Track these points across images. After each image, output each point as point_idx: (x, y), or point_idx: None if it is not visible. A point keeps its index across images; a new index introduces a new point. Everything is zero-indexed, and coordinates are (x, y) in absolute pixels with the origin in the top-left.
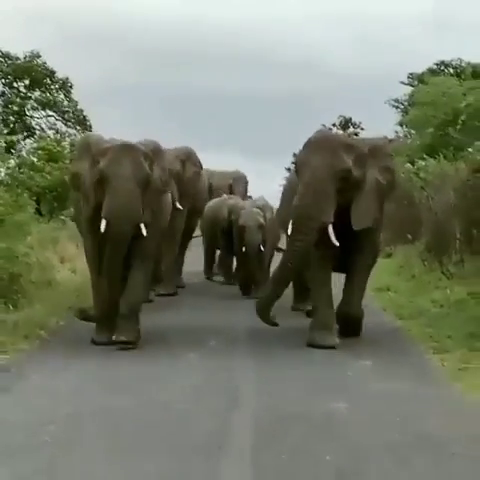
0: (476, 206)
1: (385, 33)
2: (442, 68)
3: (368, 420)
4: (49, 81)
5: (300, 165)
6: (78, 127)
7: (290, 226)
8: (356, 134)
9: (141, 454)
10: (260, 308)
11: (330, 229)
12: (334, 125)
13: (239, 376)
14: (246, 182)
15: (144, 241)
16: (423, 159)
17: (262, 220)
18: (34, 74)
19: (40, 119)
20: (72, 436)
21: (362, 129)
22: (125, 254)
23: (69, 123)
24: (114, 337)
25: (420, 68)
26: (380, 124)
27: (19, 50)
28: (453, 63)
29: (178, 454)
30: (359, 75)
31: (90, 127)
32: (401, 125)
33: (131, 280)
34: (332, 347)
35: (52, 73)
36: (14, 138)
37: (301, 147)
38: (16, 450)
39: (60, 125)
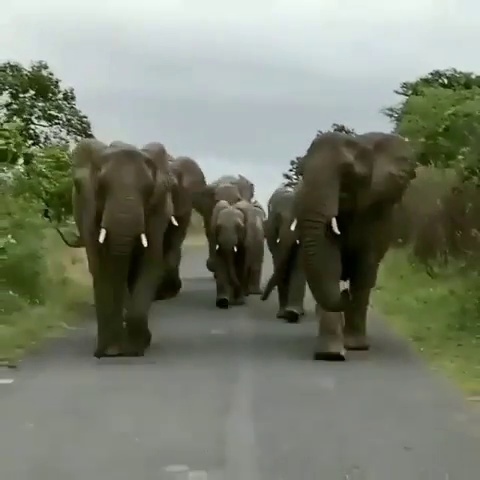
0: (459, 212)
1: (382, 40)
2: (436, 78)
3: (350, 389)
4: (54, 91)
5: (303, 165)
6: (81, 136)
7: (294, 225)
8: None
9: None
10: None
11: (334, 222)
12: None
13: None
14: (251, 187)
15: (149, 250)
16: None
17: (240, 221)
18: (40, 85)
19: (45, 128)
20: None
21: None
22: (129, 264)
23: (72, 132)
24: (121, 348)
25: (417, 76)
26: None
27: (18, 58)
28: (447, 73)
29: None
30: (356, 82)
31: (92, 136)
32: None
33: (137, 290)
34: (338, 355)
35: (57, 84)
36: (30, 150)
37: (303, 153)
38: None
39: (64, 134)
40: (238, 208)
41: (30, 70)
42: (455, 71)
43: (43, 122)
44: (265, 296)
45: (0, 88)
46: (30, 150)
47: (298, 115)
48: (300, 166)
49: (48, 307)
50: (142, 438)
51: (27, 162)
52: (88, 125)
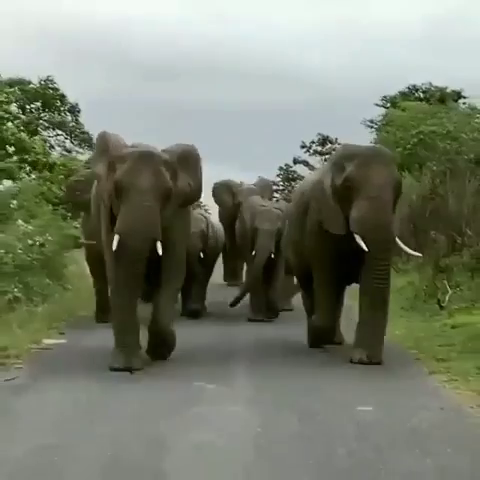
0: (421, 216)
1: (374, 49)
2: (413, 91)
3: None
4: (59, 104)
5: (358, 180)
6: (84, 147)
7: (363, 242)
8: (334, 150)
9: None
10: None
11: (399, 242)
12: (313, 142)
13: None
14: (271, 189)
15: (172, 258)
16: None
17: (203, 227)
18: (46, 98)
19: (50, 138)
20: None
21: (339, 144)
22: (145, 272)
23: (76, 142)
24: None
25: (396, 89)
26: (357, 141)
27: (17, 67)
28: (423, 87)
29: None
30: (345, 90)
31: (93, 147)
32: (375, 144)
33: (160, 301)
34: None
35: (63, 97)
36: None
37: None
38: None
39: (68, 144)
40: (201, 213)
41: (38, 85)
42: (431, 85)
43: (49, 132)
44: (234, 303)
45: (9, 101)
46: (53, 160)
47: (285, 123)
48: (349, 178)
49: (75, 292)
50: None
51: (51, 170)
52: (90, 137)
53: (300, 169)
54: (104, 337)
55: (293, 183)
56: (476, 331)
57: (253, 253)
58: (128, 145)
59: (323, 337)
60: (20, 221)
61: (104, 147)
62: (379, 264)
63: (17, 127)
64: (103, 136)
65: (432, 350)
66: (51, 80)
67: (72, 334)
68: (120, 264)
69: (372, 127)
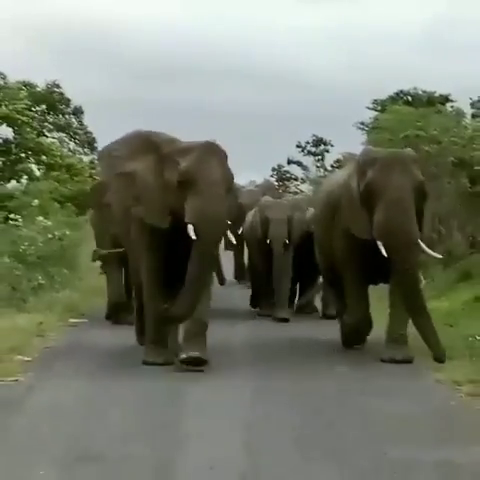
0: None
1: (372, 51)
2: (401, 96)
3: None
4: (64, 107)
5: (378, 184)
6: (87, 147)
7: (385, 248)
8: (327, 151)
9: None
10: None
11: (422, 244)
12: (308, 143)
13: None
14: (275, 190)
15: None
16: None
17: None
18: (52, 101)
19: (55, 139)
20: None
21: (332, 146)
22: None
23: (79, 143)
24: (184, 355)
25: (405, 87)
26: (350, 143)
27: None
28: (411, 92)
29: None
30: (342, 91)
31: (97, 148)
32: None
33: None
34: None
35: (68, 100)
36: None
37: (367, 166)
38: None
39: (72, 145)
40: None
41: (44, 88)
42: (417, 89)
43: (53, 135)
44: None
45: (28, 109)
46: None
47: (279, 124)
48: (371, 182)
49: (87, 281)
50: None
51: (67, 171)
52: (93, 139)
53: (294, 169)
54: None
55: (287, 183)
56: (439, 314)
57: (268, 241)
58: (179, 139)
59: (357, 336)
60: (40, 218)
61: (148, 146)
62: (404, 268)
63: (35, 130)
64: (141, 134)
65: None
66: (57, 84)
67: (91, 315)
68: (194, 255)
69: (363, 129)
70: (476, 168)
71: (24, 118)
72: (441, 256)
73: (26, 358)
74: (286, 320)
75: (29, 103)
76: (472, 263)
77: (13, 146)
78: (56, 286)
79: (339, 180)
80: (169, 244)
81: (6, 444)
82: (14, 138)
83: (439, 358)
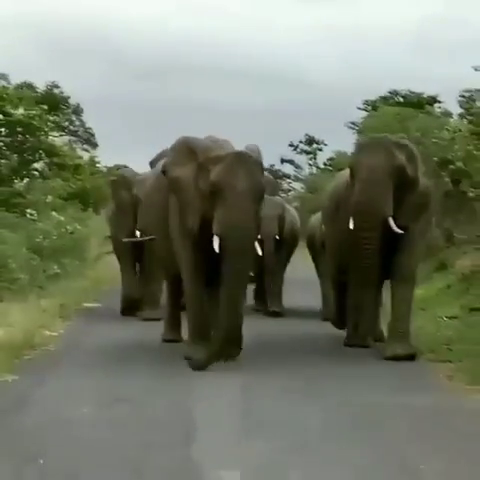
0: None
1: (366, 51)
2: (393, 96)
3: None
4: (64, 106)
5: (355, 166)
6: (86, 144)
7: (352, 223)
8: (320, 149)
9: None
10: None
11: (391, 221)
12: (301, 142)
13: None
14: (276, 187)
15: None
16: None
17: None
18: (52, 101)
19: (56, 138)
20: None
21: (325, 145)
22: (213, 271)
23: (79, 141)
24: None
25: (399, 87)
26: (343, 142)
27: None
28: (402, 92)
29: None
30: (335, 91)
31: (96, 145)
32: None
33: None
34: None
35: (67, 99)
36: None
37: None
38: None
39: (73, 144)
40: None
41: (44, 89)
42: (409, 91)
43: (54, 133)
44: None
45: (16, 103)
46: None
47: (275, 122)
48: (351, 165)
49: (96, 271)
50: None
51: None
52: (93, 135)
53: (286, 168)
54: None
55: (279, 181)
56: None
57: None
58: (214, 146)
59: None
60: (54, 213)
61: (189, 153)
62: (365, 242)
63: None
64: (186, 141)
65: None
66: (56, 85)
67: (103, 301)
68: (226, 267)
69: (354, 129)
70: (458, 164)
71: (35, 122)
72: (401, 231)
73: (53, 333)
74: (279, 314)
75: (45, 108)
76: (447, 255)
77: (26, 147)
78: (69, 275)
79: (344, 177)
80: (208, 248)
81: (54, 390)
82: (27, 140)
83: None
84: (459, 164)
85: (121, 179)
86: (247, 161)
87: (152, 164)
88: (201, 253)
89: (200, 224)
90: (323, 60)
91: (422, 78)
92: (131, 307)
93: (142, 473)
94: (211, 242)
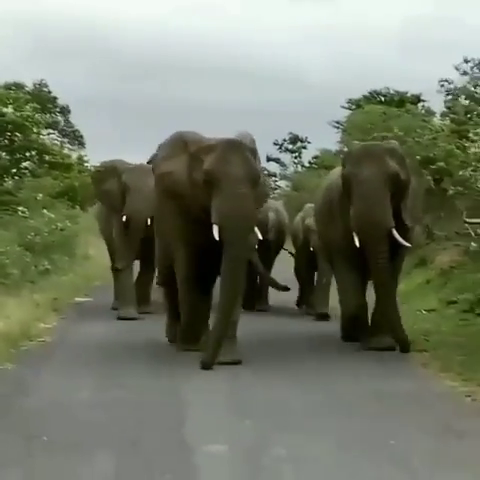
0: None
1: (352, 50)
2: (374, 96)
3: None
4: (52, 106)
5: (350, 178)
6: (73, 143)
7: (357, 240)
8: (304, 148)
9: None
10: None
11: (395, 233)
12: (285, 140)
13: None
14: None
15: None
16: None
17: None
18: (40, 100)
19: (44, 136)
20: None
21: (309, 143)
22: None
23: (66, 140)
24: (221, 358)
25: (383, 86)
26: (326, 141)
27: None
28: (383, 92)
29: None
30: (320, 89)
31: (84, 144)
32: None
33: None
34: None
35: (55, 99)
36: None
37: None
38: None
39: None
40: None
41: (32, 88)
42: (389, 89)
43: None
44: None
45: (6, 103)
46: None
47: (264, 121)
48: (344, 176)
49: (85, 267)
50: None
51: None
52: (80, 136)
53: (271, 166)
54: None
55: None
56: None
57: (311, 250)
58: (207, 137)
59: (355, 325)
60: (45, 210)
61: (179, 145)
62: (377, 257)
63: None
64: (178, 135)
65: None
66: (44, 84)
67: (94, 295)
68: (225, 257)
69: (338, 128)
70: (439, 164)
71: (28, 124)
72: (410, 245)
73: (48, 326)
74: (265, 311)
75: (37, 106)
76: (427, 252)
77: (18, 147)
78: (59, 271)
79: (334, 175)
80: (205, 241)
81: (52, 377)
82: (19, 139)
83: (403, 346)
84: (441, 163)
85: (108, 168)
86: (240, 148)
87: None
88: (197, 251)
89: (196, 216)
90: (309, 59)
91: (407, 78)
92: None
93: (137, 448)
94: (208, 235)
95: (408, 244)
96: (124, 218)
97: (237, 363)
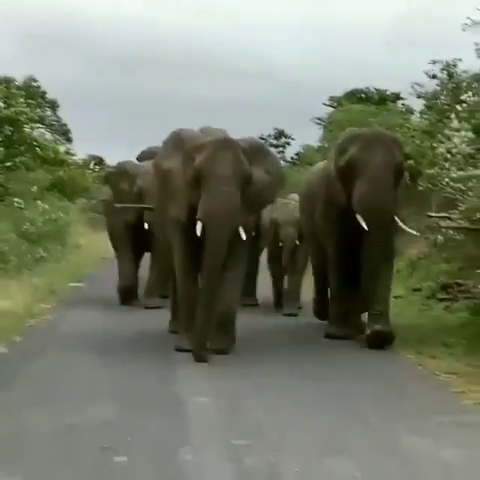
0: None
1: (337, 46)
2: (355, 93)
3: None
4: (42, 101)
5: (358, 162)
6: (61, 137)
7: (363, 221)
8: (288, 143)
9: None
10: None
11: (398, 220)
12: (269, 135)
13: None
14: None
15: (238, 245)
16: None
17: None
18: (29, 95)
19: (32, 130)
20: None
21: (293, 139)
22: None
23: (55, 134)
24: (208, 345)
25: (365, 84)
26: (308, 138)
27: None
28: (364, 89)
29: None
30: (304, 86)
31: (71, 139)
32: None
33: (226, 284)
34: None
35: (44, 94)
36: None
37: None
38: None
39: (48, 135)
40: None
41: (22, 83)
42: (368, 88)
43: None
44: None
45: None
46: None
47: (243, 116)
48: (349, 160)
49: (77, 255)
50: None
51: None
52: (68, 130)
53: None
54: (107, 284)
55: None
56: None
57: (280, 244)
58: (203, 135)
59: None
60: (39, 202)
61: (177, 142)
62: (375, 240)
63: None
64: (177, 133)
65: None
66: (34, 78)
67: (86, 281)
68: (205, 251)
69: (320, 124)
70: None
71: (22, 119)
72: (417, 233)
73: (47, 306)
74: (253, 305)
75: (31, 102)
76: (398, 244)
77: (12, 141)
78: (53, 259)
79: (319, 168)
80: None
81: (56, 345)
82: (13, 134)
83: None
84: (410, 161)
85: (122, 171)
86: (230, 147)
87: (139, 160)
88: (193, 243)
89: (189, 213)
90: (295, 56)
91: (394, 75)
92: (129, 297)
93: (133, 402)
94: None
95: (415, 232)
96: (146, 225)
97: (222, 352)
